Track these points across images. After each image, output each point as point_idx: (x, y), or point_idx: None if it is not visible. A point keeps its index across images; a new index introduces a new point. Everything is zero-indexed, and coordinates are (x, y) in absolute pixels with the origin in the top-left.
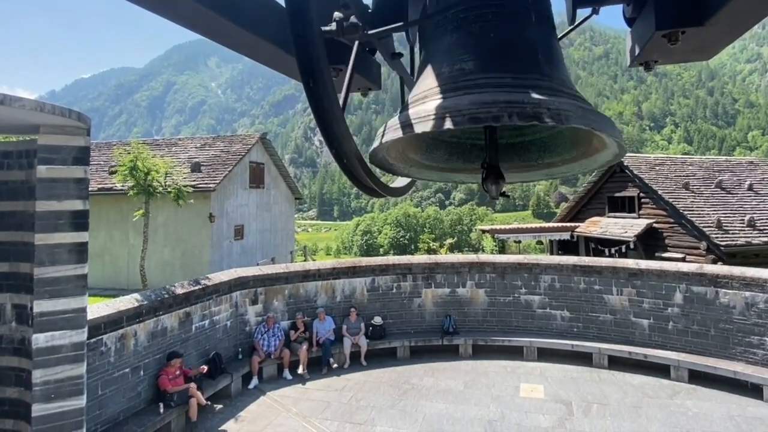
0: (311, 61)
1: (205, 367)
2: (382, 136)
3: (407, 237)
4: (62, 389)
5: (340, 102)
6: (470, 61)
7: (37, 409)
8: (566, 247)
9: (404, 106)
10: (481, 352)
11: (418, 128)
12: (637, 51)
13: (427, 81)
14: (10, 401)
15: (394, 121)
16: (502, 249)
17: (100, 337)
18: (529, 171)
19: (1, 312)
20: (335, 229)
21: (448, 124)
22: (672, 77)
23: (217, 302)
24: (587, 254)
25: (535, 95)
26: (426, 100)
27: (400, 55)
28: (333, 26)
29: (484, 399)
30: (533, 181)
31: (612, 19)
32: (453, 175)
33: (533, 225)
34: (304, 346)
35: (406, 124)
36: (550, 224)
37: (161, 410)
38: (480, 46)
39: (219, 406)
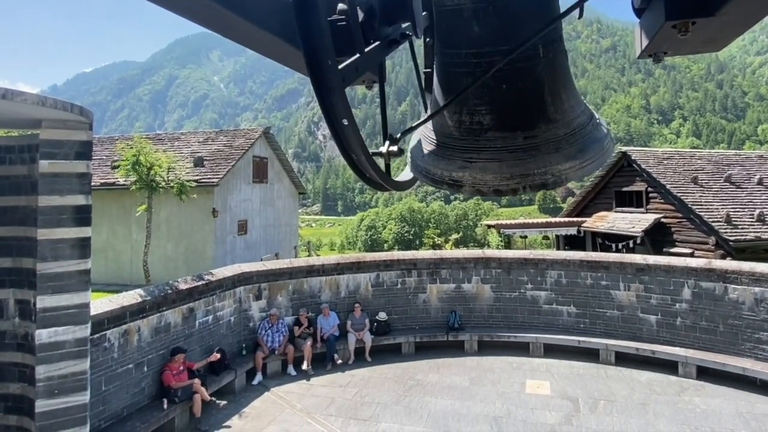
0: (318, 53)
1: (218, 355)
2: (411, 155)
3: (412, 232)
4: (66, 385)
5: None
6: (486, 115)
7: (41, 405)
8: (573, 242)
9: (427, 134)
10: (486, 348)
11: (445, 185)
12: (645, 42)
13: (450, 121)
14: (13, 397)
15: (418, 148)
16: (508, 244)
17: (103, 332)
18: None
19: (4, 307)
20: (339, 225)
21: (472, 191)
22: (681, 70)
23: (220, 298)
24: (594, 249)
25: (542, 161)
26: (451, 149)
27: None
28: (341, 16)
29: (489, 395)
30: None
31: (619, 12)
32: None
33: (539, 220)
34: (309, 342)
35: (435, 166)
36: (557, 219)
37: (165, 406)
38: (493, 101)
39: (223, 402)
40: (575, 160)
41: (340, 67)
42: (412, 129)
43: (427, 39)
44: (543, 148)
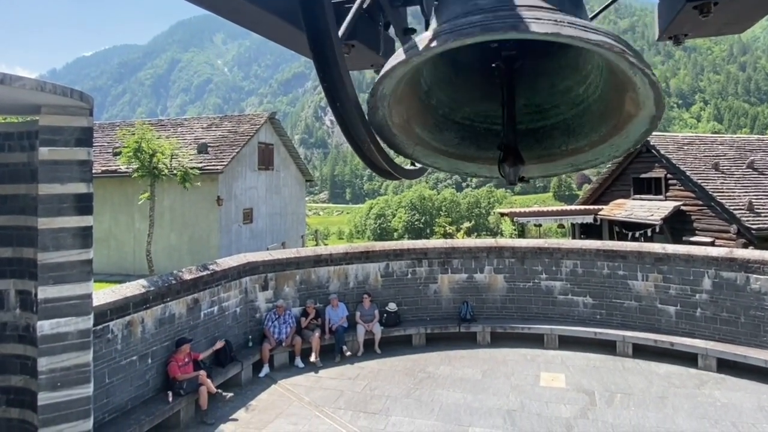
0: (320, 33)
1: (223, 342)
2: (382, 70)
3: (422, 221)
4: (68, 377)
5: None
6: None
7: (43, 398)
8: (589, 230)
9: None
10: (499, 339)
11: (423, 48)
12: (666, 24)
13: (435, 21)
14: (15, 390)
15: (397, 52)
16: (522, 233)
17: (106, 323)
18: (552, 161)
19: (4, 298)
20: (347, 213)
21: (456, 38)
22: (702, 52)
23: (226, 288)
24: (611, 238)
25: (556, 14)
26: (432, 31)
27: (413, 30)
28: None
29: (503, 388)
30: (556, 174)
31: None
32: (464, 164)
33: (554, 208)
34: (317, 334)
35: (410, 48)
36: (572, 207)
37: (170, 399)
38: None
39: (229, 395)
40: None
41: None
42: None
43: None
44: (557, 15)
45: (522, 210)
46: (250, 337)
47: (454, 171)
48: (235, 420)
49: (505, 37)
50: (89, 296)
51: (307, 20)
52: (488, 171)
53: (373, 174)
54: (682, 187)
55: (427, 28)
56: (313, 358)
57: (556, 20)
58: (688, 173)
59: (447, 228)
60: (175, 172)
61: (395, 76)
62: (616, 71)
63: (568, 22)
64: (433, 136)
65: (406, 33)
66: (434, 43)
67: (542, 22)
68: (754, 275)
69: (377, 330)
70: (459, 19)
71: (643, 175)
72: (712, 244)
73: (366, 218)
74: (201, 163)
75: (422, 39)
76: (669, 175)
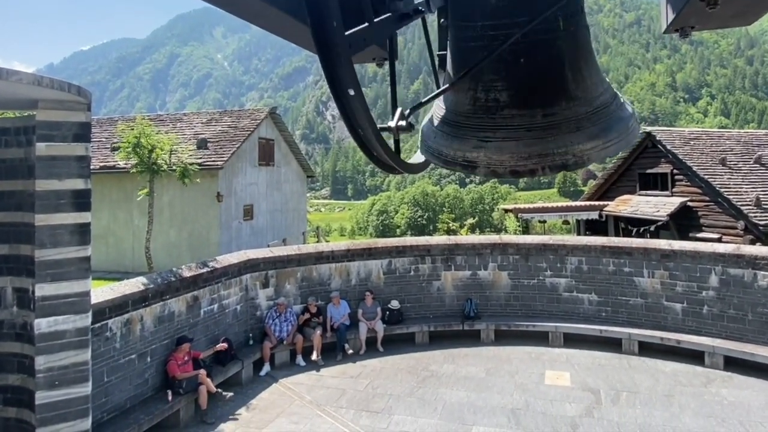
0: (323, 14)
1: (225, 345)
2: (422, 134)
3: (425, 217)
4: (66, 376)
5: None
6: (503, 91)
7: (41, 397)
8: (594, 227)
9: (443, 112)
10: (503, 337)
11: (458, 167)
12: (672, 16)
13: (464, 98)
14: (12, 389)
15: (430, 128)
16: (526, 229)
17: (105, 321)
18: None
19: (1, 296)
20: (349, 209)
21: (487, 172)
22: (708, 45)
23: (226, 286)
24: (617, 234)
25: (562, 140)
26: (465, 128)
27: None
28: None
29: (507, 387)
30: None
31: None
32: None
33: (559, 204)
34: (318, 332)
35: (448, 147)
36: (578, 203)
37: (170, 398)
38: (510, 76)
39: (229, 394)
40: (598, 139)
41: (347, 33)
42: (423, 104)
43: (442, 20)
44: (563, 126)
45: (526, 206)
46: (250, 335)
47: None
48: (236, 419)
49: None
50: (87, 294)
51: (312, 13)
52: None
53: (376, 170)
54: (688, 183)
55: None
56: (314, 357)
57: (564, 152)
58: (694, 169)
59: (450, 224)
60: (174, 167)
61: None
62: None
63: (573, 152)
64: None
65: (402, 19)
66: (469, 169)
67: (554, 158)
68: (762, 272)
69: (380, 328)
70: (488, 136)
71: (649, 171)
72: (719, 240)
73: (368, 215)
74: (200, 158)
75: (458, 147)
76: (675, 171)
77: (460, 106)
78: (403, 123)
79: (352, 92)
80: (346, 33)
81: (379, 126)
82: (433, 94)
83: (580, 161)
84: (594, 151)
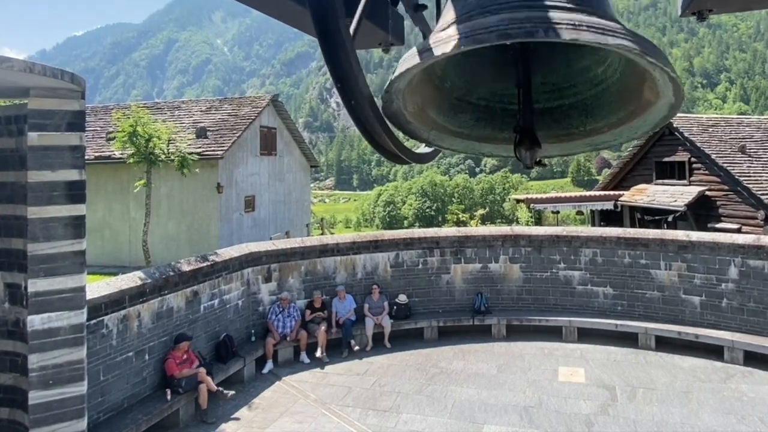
0: (325, 9)
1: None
2: (396, 70)
3: (434, 208)
4: (61, 375)
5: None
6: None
7: (35, 397)
8: (609, 217)
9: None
10: (515, 332)
11: (438, 50)
12: None
13: (450, 12)
14: (4, 388)
15: (411, 51)
16: (539, 220)
17: (100, 318)
18: (570, 141)
19: None
20: (355, 200)
21: (471, 43)
22: (727, 29)
23: (227, 280)
24: (632, 225)
25: (576, 14)
26: (447, 27)
27: (424, 7)
28: None
29: (519, 384)
30: (573, 154)
31: None
32: (480, 145)
33: (573, 194)
34: (323, 327)
35: (424, 50)
36: (592, 193)
37: (168, 397)
38: None
39: (231, 393)
40: (621, 26)
41: (349, 22)
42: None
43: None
44: (575, 11)
45: (539, 196)
46: (252, 331)
47: (470, 152)
48: (237, 419)
49: (522, 40)
50: (82, 289)
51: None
52: (505, 151)
53: (382, 159)
54: (706, 171)
55: (438, 7)
56: (319, 353)
57: (573, 23)
58: (713, 156)
59: (460, 215)
60: (172, 157)
61: (409, 75)
62: (636, 60)
63: (587, 25)
64: (449, 119)
65: (417, 9)
66: (449, 47)
67: (560, 27)
68: None
69: (387, 323)
70: (475, 18)
71: (666, 159)
72: (738, 231)
73: (374, 206)
74: (200, 148)
75: (437, 39)
76: (693, 159)
77: (449, 20)
78: None
79: (356, 83)
80: (348, 21)
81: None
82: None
83: (600, 35)
84: (620, 33)
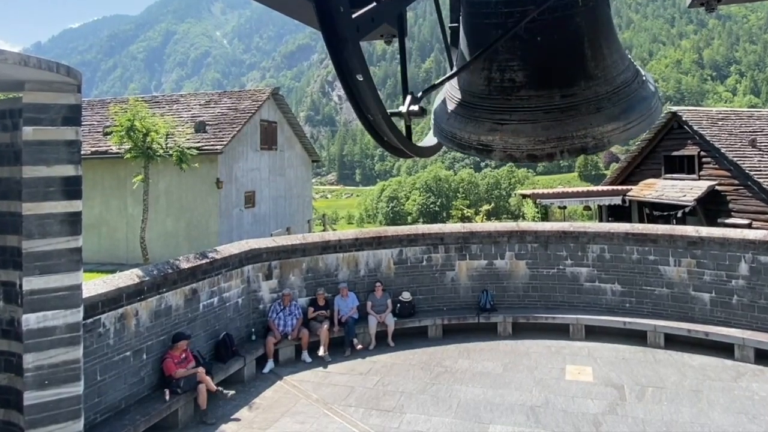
0: (331, 10)
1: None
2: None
3: (438, 203)
4: (57, 375)
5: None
6: (519, 71)
7: (30, 397)
8: (617, 212)
9: (453, 91)
10: (521, 330)
11: (473, 151)
12: None
13: (478, 78)
14: None
15: (443, 109)
16: (545, 216)
17: (97, 317)
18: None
19: None
20: (357, 195)
21: (503, 156)
22: (737, 20)
23: (226, 277)
24: (641, 221)
25: (581, 122)
26: (480, 110)
27: None
28: None
29: (525, 383)
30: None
31: None
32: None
33: (580, 189)
34: (325, 326)
35: (461, 129)
36: (599, 188)
37: (167, 397)
38: (527, 55)
39: (231, 393)
40: (618, 121)
41: (354, 16)
42: (435, 86)
43: None
44: (582, 107)
45: (545, 191)
46: (253, 330)
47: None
48: (238, 419)
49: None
50: (78, 287)
51: None
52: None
53: (386, 153)
54: (716, 166)
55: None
56: (321, 352)
57: (584, 135)
58: (723, 150)
59: (465, 211)
60: (170, 152)
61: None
62: None
63: (592, 134)
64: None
65: None
66: (483, 154)
67: (573, 142)
68: None
69: (390, 321)
70: (504, 117)
71: (675, 153)
72: (749, 226)
73: (377, 201)
74: (199, 142)
75: (472, 129)
76: (702, 153)
77: (474, 87)
78: (415, 108)
79: (360, 77)
80: (354, 15)
81: (389, 111)
82: (445, 75)
83: (601, 144)
84: (615, 133)
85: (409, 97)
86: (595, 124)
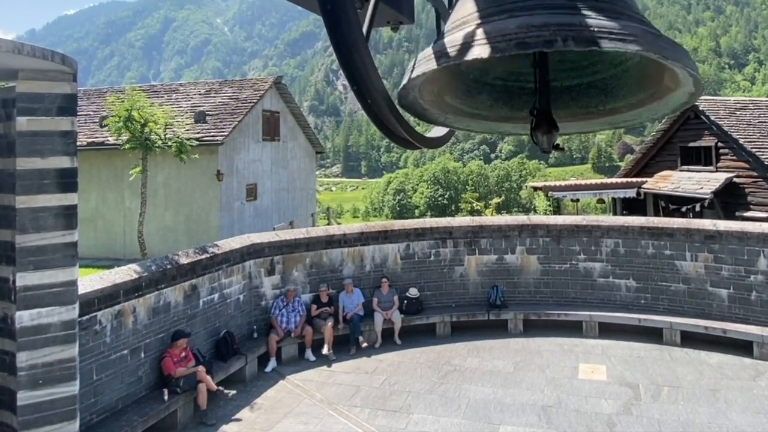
0: None
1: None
2: (412, 70)
3: (447, 196)
4: (51, 374)
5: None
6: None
7: (23, 397)
8: (632, 205)
9: (439, 36)
10: (533, 328)
11: (455, 57)
12: None
13: (467, 5)
14: None
15: (427, 52)
16: (558, 209)
17: (93, 314)
18: (588, 120)
19: None
20: (363, 188)
21: (489, 52)
22: (755, 6)
23: (227, 273)
24: (656, 214)
25: (593, 17)
26: (464, 26)
27: None
28: None
29: (537, 382)
30: (592, 131)
31: None
32: (498, 125)
33: (593, 181)
34: (329, 323)
35: (441, 54)
36: (613, 180)
37: (166, 397)
38: None
39: (232, 392)
40: (643, 25)
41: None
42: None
43: None
44: (594, 11)
45: (557, 183)
46: (255, 327)
47: (488, 132)
48: (239, 420)
49: (540, 50)
50: (74, 283)
51: None
52: (523, 129)
53: (392, 144)
54: (734, 157)
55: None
56: (325, 351)
57: (592, 29)
58: (741, 141)
59: (474, 204)
60: (169, 143)
61: (426, 74)
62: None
63: (607, 31)
64: (465, 101)
65: None
66: (465, 54)
67: (579, 34)
68: None
69: (397, 318)
70: (492, 19)
71: (692, 144)
72: None
73: (384, 194)
74: (199, 133)
75: (452, 41)
76: (720, 144)
77: (466, 17)
78: None
79: (363, 64)
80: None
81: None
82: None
83: (621, 42)
84: (641, 38)
85: None
86: (611, 24)
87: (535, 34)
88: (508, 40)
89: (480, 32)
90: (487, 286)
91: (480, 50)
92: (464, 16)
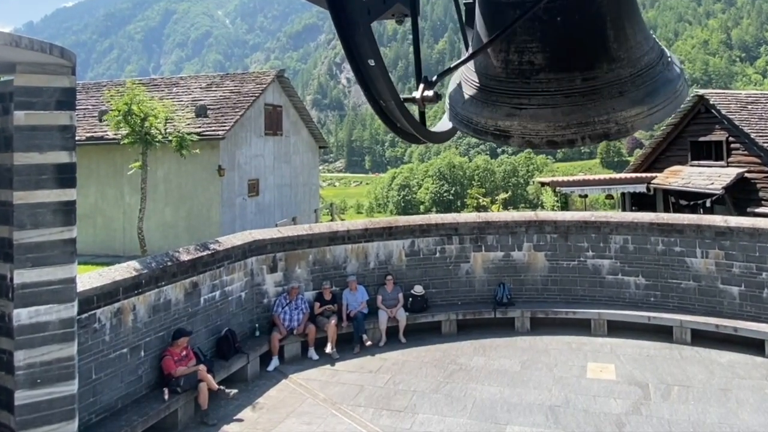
0: None
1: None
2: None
3: (452, 192)
4: (50, 373)
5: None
6: (538, 54)
7: (21, 397)
8: (641, 201)
9: (470, 75)
10: (540, 326)
11: (490, 136)
12: None
13: (495, 61)
14: None
15: (458, 93)
16: (565, 205)
17: (92, 311)
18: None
19: None
20: (367, 183)
21: (522, 143)
22: None
23: (229, 270)
24: (666, 210)
25: (603, 106)
26: (497, 93)
27: None
28: None
29: (544, 381)
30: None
31: None
32: None
33: (602, 176)
34: (333, 321)
35: (478, 114)
36: (622, 175)
37: (166, 397)
38: (546, 36)
39: (233, 392)
40: (642, 105)
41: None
42: (450, 70)
43: None
44: (605, 91)
45: (565, 179)
46: (257, 325)
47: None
48: (240, 420)
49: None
50: (73, 280)
51: None
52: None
53: (397, 139)
54: (745, 152)
55: None
56: (328, 349)
57: (606, 120)
58: (752, 136)
59: (480, 200)
60: (170, 138)
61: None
62: None
63: (615, 119)
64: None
65: None
66: (500, 141)
67: (595, 127)
68: None
69: (401, 316)
70: (522, 102)
71: (702, 139)
72: None
73: (388, 189)
74: (199, 127)
75: (489, 114)
76: (731, 138)
77: (490, 70)
78: (429, 93)
79: (372, 63)
80: None
81: (403, 97)
82: (460, 59)
83: (624, 129)
84: (639, 118)
85: (422, 85)
86: (618, 109)
87: (561, 135)
88: (541, 138)
89: (514, 119)
90: (493, 283)
91: (515, 141)
92: (495, 74)
